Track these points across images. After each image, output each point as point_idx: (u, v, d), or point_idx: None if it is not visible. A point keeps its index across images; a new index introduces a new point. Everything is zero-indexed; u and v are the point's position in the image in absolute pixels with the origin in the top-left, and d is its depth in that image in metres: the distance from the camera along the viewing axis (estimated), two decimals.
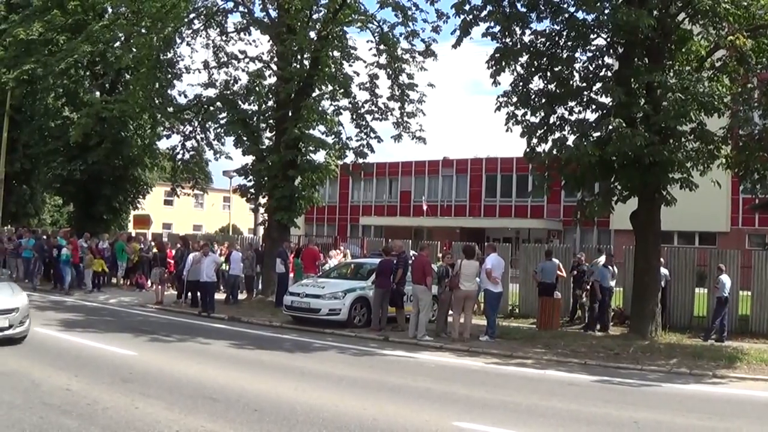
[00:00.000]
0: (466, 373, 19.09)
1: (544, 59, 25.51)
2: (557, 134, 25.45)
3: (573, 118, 25.71)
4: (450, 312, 25.53)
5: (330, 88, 35.01)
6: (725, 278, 26.61)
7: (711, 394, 17.25)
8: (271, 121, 36.02)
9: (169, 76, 38.10)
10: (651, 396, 16.81)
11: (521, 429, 12.58)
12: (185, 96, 39.04)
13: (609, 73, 25.85)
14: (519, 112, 25.49)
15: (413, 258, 26.59)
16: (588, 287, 28.50)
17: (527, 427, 12.75)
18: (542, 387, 17.28)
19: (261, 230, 40.13)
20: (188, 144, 39.76)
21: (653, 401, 16.12)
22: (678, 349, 22.97)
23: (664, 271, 27.32)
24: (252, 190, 36.21)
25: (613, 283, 28.47)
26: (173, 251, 35.56)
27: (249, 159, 35.95)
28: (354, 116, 35.43)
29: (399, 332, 25.10)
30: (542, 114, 25.45)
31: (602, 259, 28.41)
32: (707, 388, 17.98)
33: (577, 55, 25.91)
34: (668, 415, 14.38)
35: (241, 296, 33.54)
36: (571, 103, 25.70)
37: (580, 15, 25.07)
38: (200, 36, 37.23)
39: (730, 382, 18.85)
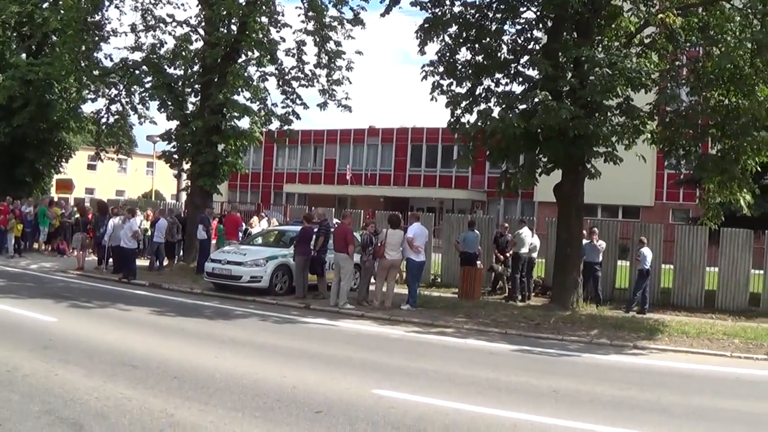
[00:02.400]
0: (386, 341, 19.14)
1: (473, 30, 25.43)
2: (483, 105, 25.51)
3: (499, 89, 25.89)
4: (372, 280, 25.69)
5: (257, 54, 34.73)
6: (646, 251, 26.95)
7: (631, 365, 17.45)
8: (196, 86, 35.69)
9: (96, 38, 37.16)
10: (571, 366, 17.03)
11: (441, 397, 12.53)
12: (111, 59, 38.12)
13: (537, 47, 26.04)
14: (445, 82, 25.60)
15: (335, 226, 26.53)
16: (507, 255, 28.72)
17: (447, 395, 12.72)
18: (462, 356, 17.41)
19: (184, 196, 39.72)
20: (113, 108, 39.00)
21: (573, 371, 16.31)
22: (599, 320, 23.27)
23: (586, 243, 27.50)
24: (175, 156, 35.92)
25: (535, 255, 28.87)
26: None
27: (173, 124, 35.64)
28: (280, 83, 35.31)
29: (320, 300, 25.06)
30: (468, 85, 25.61)
31: (525, 230, 28.47)
32: (628, 359, 18.19)
33: (505, 27, 26.02)
34: (588, 384, 14.55)
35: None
36: (498, 75, 25.86)
37: None
38: None
39: (651, 353, 19.11)
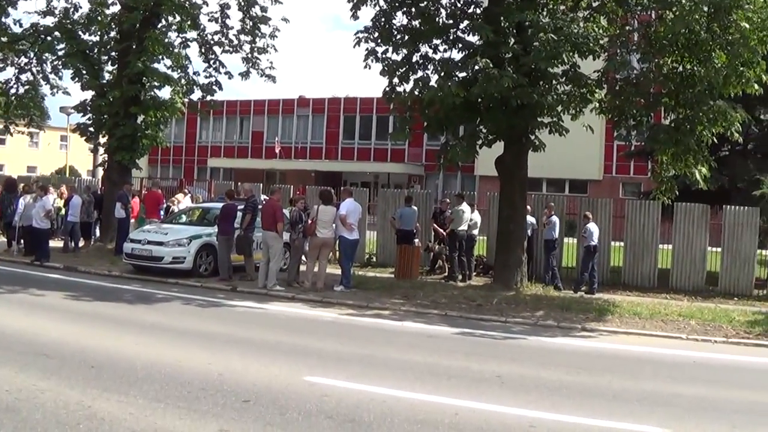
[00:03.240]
0: (319, 325, 19.17)
1: None
2: (420, 73, 25.45)
3: (437, 56, 25.80)
4: (303, 260, 25.74)
5: (177, 18, 34.28)
6: (592, 226, 27.06)
7: (579, 348, 17.62)
8: (113, 53, 35.24)
9: (4, 2, 36.69)
10: (516, 349, 17.13)
11: (377, 384, 12.56)
12: (21, 25, 37.41)
13: (478, 11, 25.95)
14: (379, 49, 25.39)
15: (263, 203, 26.36)
16: (444, 233, 28.68)
17: (383, 381, 12.77)
18: (400, 340, 17.50)
19: (101, 172, 39.27)
20: (23, 77, 38.36)
21: (518, 355, 16.42)
22: (545, 300, 23.46)
23: (530, 219, 27.66)
24: (91, 129, 35.42)
25: (476, 232, 28.76)
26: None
27: (89, 95, 35.25)
28: (202, 49, 35.11)
29: (248, 282, 25.04)
30: (405, 52, 25.44)
31: (464, 206, 28.20)
32: (576, 342, 18.35)
33: None
34: (534, 369, 14.64)
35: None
36: (436, 41, 25.73)
37: None
38: None
39: (600, 335, 19.23)
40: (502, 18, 24.13)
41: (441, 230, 29.22)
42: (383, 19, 25.55)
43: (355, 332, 18.36)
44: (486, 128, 25.29)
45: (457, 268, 27.90)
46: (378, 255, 32.20)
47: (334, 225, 24.61)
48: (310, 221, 24.83)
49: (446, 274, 28.55)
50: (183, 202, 33.33)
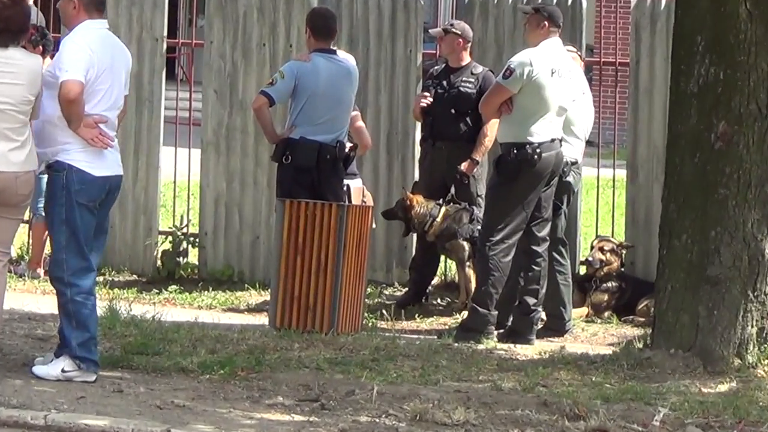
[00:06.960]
0: None
1: None
2: None
3: None
4: None
5: None
6: None
7: None
8: None
9: None
10: None
11: None
12: None
13: None
14: None
15: None
16: (476, 158, 18.10)
17: None
18: None
19: None
20: None
21: None
22: None
23: None
24: None
25: (577, 154, 17.43)
26: None
27: None
28: None
29: None
30: None
31: (541, 59, 16.02)
32: None
33: None
34: None
35: None
36: None
37: None
38: None
39: None
40: None
41: (469, 160, 17.58)
42: None
43: None
44: None
45: (523, 291, 16.12)
46: (211, 241, 19.62)
47: (26, 131, 12.62)
48: None
49: (466, 311, 16.85)
50: None
